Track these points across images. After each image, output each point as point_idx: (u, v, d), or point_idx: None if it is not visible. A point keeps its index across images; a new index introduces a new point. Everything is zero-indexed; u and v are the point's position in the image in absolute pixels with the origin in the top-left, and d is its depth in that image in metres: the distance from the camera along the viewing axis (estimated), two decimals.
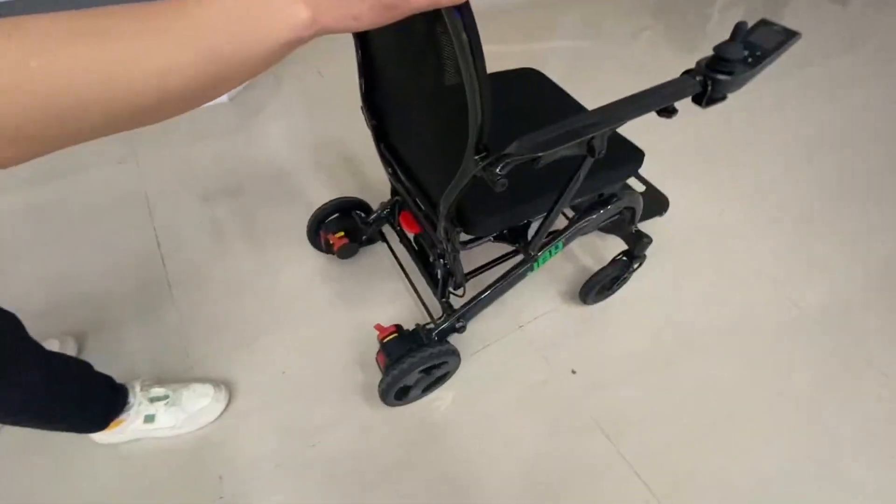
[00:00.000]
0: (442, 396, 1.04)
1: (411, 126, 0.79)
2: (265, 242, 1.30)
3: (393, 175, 0.97)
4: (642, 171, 1.08)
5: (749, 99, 1.74)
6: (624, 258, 1.11)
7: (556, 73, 1.09)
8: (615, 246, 1.23)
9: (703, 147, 1.67)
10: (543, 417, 1.02)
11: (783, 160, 1.65)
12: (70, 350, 1.05)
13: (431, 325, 0.97)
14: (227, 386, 1.01)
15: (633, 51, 2.21)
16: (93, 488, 0.91)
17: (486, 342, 1.12)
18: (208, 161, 1.52)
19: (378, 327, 0.94)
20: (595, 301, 1.19)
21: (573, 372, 1.09)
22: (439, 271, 0.96)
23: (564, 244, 0.93)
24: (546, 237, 0.83)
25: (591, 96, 0.90)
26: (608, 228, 1.07)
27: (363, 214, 1.18)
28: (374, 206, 1.19)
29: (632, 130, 0.76)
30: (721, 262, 1.33)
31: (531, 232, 0.85)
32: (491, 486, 0.93)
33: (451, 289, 0.97)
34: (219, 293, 1.19)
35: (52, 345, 1.01)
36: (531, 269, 0.93)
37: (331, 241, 1.10)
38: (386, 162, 0.96)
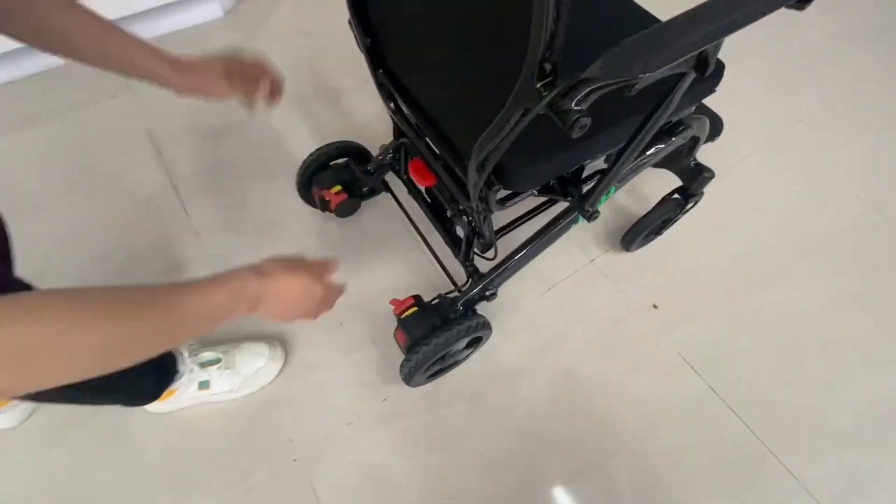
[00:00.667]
0: (513, 343, 0.94)
1: (422, 44, 0.58)
2: (277, 186, 1.11)
3: (396, 112, 0.77)
4: None
5: None
6: (677, 196, 0.93)
7: None
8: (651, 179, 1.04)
9: (756, 50, 1.41)
10: (627, 356, 0.93)
11: (854, 59, 1.39)
12: None
13: (455, 294, 0.82)
14: (281, 342, 0.91)
15: None
16: (154, 459, 0.84)
17: (553, 281, 1.01)
18: None
19: (394, 302, 0.79)
20: (640, 247, 1.03)
21: (654, 306, 0.98)
22: (461, 230, 0.79)
23: (618, 188, 0.75)
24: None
25: None
26: (660, 162, 0.88)
27: (361, 163, 0.97)
28: (374, 149, 0.99)
29: None
30: (798, 178, 1.16)
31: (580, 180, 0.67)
32: (575, 434, 0.86)
33: (476, 250, 0.81)
34: (251, 242, 1.05)
35: None
36: (576, 220, 0.76)
37: (327, 199, 0.91)
38: (386, 95, 0.75)
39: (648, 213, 0.95)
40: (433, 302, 0.80)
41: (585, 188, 0.63)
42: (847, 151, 1.20)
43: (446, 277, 0.90)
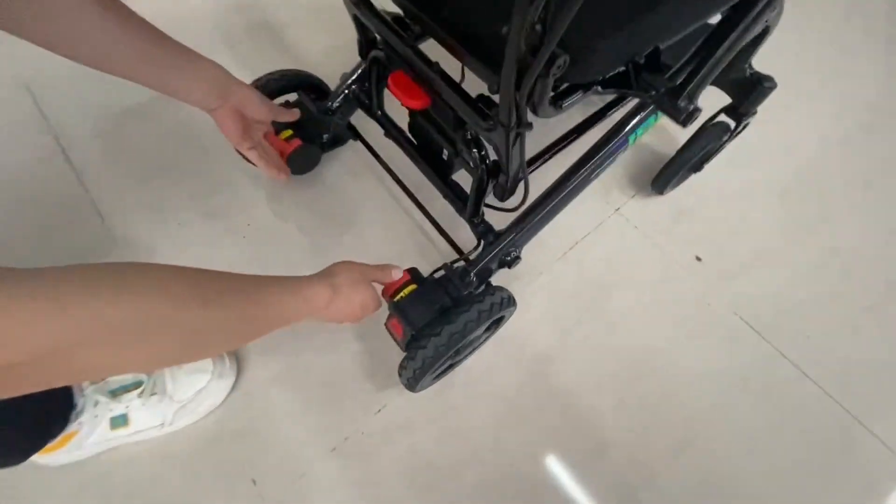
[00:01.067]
0: (536, 322, 0.74)
1: None
2: (207, 141, 0.84)
3: (361, 4, 0.52)
4: None
5: None
6: (723, 120, 0.74)
7: None
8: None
9: None
10: (675, 323, 0.75)
11: None
12: None
13: (464, 263, 0.60)
14: (229, 352, 0.67)
15: None
16: None
17: (574, 238, 0.81)
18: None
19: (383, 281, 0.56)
20: (674, 188, 0.84)
21: (698, 259, 0.80)
22: (470, 172, 0.56)
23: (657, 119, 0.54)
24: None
25: None
26: None
27: (316, 98, 0.73)
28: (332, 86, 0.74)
29: None
30: (838, 101, 0.99)
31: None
32: (630, 429, 0.68)
33: (488, 202, 0.59)
34: (176, 219, 0.78)
35: None
36: (628, 141, 0.55)
37: (276, 148, 0.66)
38: None
39: (686, 146, 0.76)
40: (436, 275, 0.58)
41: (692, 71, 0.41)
42: (889, 68, 1.05)
43: (446, 243, 0.68)
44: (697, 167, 0.81)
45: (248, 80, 0.79)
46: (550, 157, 0.58)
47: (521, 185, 0.54)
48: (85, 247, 0.75)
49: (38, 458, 0.56)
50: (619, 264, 0.80)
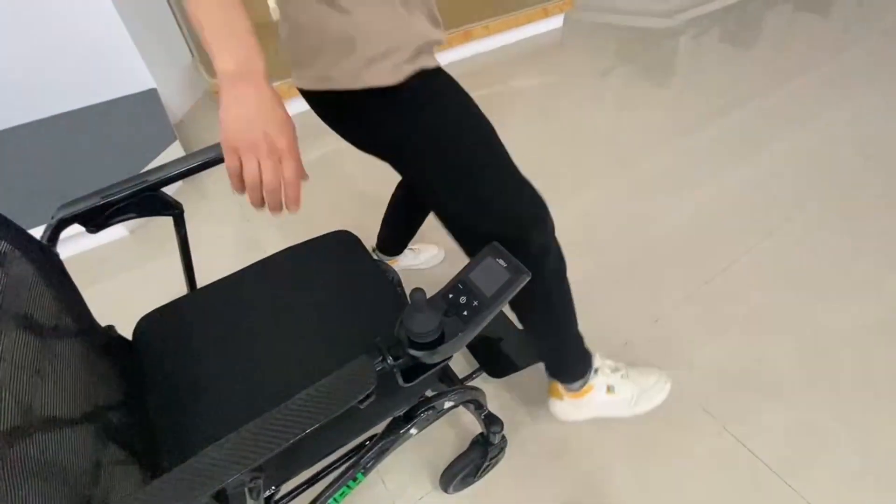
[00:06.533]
0: None
1: None
2: None
3: None
4: None
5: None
6: (480, 441, 0.92)
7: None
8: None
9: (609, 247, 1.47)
10: None
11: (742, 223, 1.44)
12: None
13: None
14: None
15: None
16: None
17: None
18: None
19: None
20: (458, 489, 0.98)
21: None
22: None
23: (364, 474, 0.74)
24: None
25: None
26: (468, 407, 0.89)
27: None
28: None
29: None
30: None
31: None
32: None
33: None
34: None
35: None
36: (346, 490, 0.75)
37: None
38: None
39: (457, 459, 0.93)
40: None
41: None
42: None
43: None
44: (474, 474, 0.96)
45: None
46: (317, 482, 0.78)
47: None
48: None
49: (558, 411, 0.94)
50: None
